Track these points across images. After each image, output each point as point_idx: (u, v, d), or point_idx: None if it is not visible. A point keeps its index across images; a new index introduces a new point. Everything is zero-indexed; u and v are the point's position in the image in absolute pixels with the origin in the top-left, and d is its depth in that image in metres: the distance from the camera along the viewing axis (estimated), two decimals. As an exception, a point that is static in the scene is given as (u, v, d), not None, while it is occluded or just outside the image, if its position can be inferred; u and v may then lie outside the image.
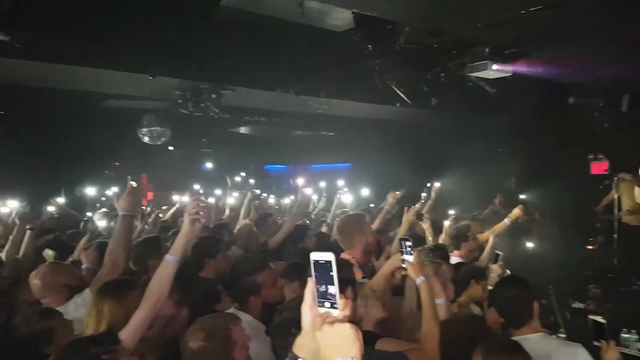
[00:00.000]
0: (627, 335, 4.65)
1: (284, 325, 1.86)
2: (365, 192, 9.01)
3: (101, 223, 5.56)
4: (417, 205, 5.07)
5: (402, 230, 4.12)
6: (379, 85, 5.78)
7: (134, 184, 2.83)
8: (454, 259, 4.31)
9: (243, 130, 9.59)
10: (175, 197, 7.99)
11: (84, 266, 3.44)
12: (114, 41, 4.48)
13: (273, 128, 9.20)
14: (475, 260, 4.51)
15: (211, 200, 7.95)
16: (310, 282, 1.19)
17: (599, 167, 9.15)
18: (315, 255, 1.18)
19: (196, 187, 8.68)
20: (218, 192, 8.53)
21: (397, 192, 6.03)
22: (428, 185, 6.56)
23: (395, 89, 5.49)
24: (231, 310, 2.66)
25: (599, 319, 2.54)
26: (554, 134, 9.10)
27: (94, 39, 4.40)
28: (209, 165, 11.76)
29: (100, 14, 4.18)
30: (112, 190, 6.32)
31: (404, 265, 2.45)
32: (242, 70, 5.36)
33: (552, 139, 9.29)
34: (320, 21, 4.89)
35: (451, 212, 6.30)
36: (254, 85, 5.80)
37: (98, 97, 6.52)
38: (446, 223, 5.19)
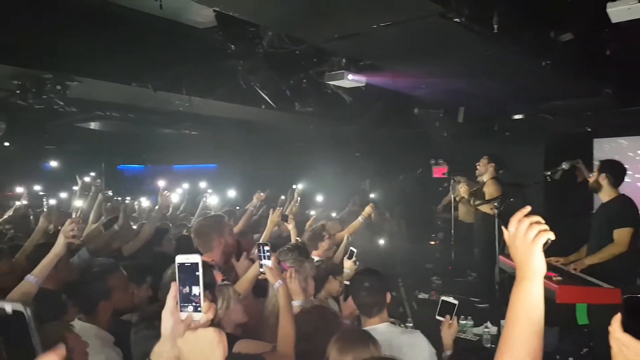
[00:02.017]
0: (464, 322, 5.27)
1: (141, 333, 1.78)
2: (231, 193, 8.93)
3: None
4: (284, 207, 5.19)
5: (266, 232, 4.19)
6: (243, 86, 5.78)
7: None
8: (313, 258, 4.49)
9: (93, 125, 8.81)
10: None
11: None
12: None
13: (128, 124, 8.61)
14: (330, 258, 4.75)
15: (53, 202, 7.21)
16: (174, 287, 1.15)
17: (439, 170, 10.25)
18: (180, 258, 1.15)
19: (37, 187, 7.79)
20: (63, 194, 7.76)
21: (262, 194, 6.10)
22: (294, 187, 6.73)
23: (259, 90, 5.53)
24: (74, 322, 2.44)
25: (451, 299, 2.82)
26: (402, 141, 9.99)
27: None
28: (52, 163, 10.60)
29: None
30: None
31: (261, 270, 2.50)
32: (93, 61, 4.93)
33: (401, 145, 10.19)
34: (181, 16, 4.73)
35: (312, 212, 6.57)
36: (106, 77, 5.36)
37: None
38: (307, 224, 5.42)
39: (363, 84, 5.65)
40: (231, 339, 2.32)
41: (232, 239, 3.28)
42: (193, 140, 10.18)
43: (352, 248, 4.29)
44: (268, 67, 5.30)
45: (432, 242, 9.33)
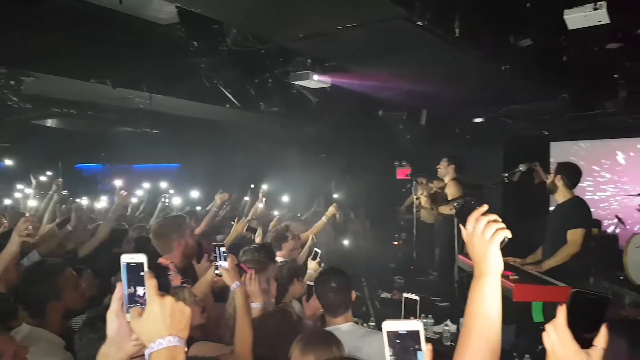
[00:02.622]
0: (424, 320, 5.35)
1: (85, 337, 1.73)
2: (194, 194, 8.78)
3: None
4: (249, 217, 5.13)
5: (228, 239, 4.14)
6: (206, 84, 5.69)
7: None
8: (277, 259, 4.47)
9: (50, 123, 8.49)
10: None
11: None
12: None
13: (86, 122, 8.33)
14: (295, 259, 4.73)
15: (8, 202, 6.91)
16: (119, 287, 1.12)
17: (403, 172, 10.39)
18: (126, 258, 1.12)
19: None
20: (18, 193, 7.45)
21: (226, 194, 6.02)
22: (252, 186, 6.67)
23: (222, 89, 5.46)
24: (22, 327, 2.34)
25: (413, 296, 2.84)
26: (367, 143, 10.08)
27: None
28: (7, 162, 10.17)
29: None
30: None
31: (217, 272, 2.47)
32: (48, 56, 4.74)
33: (365, 146, 10.28)
34: (141, 12, 4.61)
35: (275, 213, 6.54)
36: (62, 73, 5.18)
37: None
38: (271, 224, 5.39)
39: (328, 85, 5.67)
40: (188, 341, 2.30)
41: (193, 240, 3.21)
42: (154, 139, 9.94)
43: (316, 249, 4.29)
44: (232, 66, 5.23)
45: (396, 242, 9.44)
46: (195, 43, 5.00)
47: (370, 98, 7.11)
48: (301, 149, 9.80)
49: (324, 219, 5.37)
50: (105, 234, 4.19)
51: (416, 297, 2.59)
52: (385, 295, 7.08)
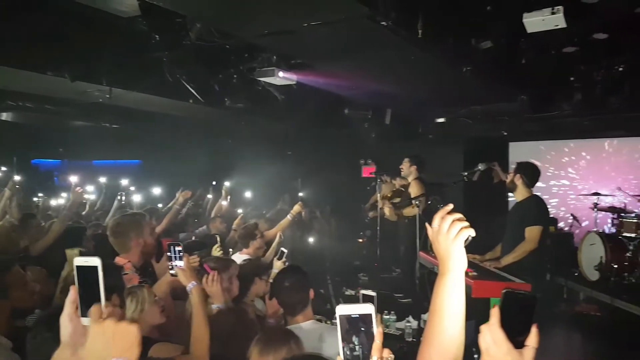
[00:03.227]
0: (387, 317, 5.41)
1: (42, 335, 1.67)
2: (156, 190, 8.59)
3: None
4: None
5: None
6: (169, 78, 5.58)
7: None
8: (243, 256, 4.43)
9: (5, 116, 8.15)
10: None
11: None
12: None
13: (43, 116, 8.04)
14: (262, 257, 4.70)
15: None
16: (73, 291, 1.08)
17: (368, 170, 10.49)
18: (79, 261, 1.08)
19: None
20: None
21: (188, 192, 5.92)
22: (214, 183, 6.57)
23: (185, 84, 5.36)
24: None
25: (369, 292, 2.85)
26: (333, 140, 10.12)
27: None
28: (-41, 156, 9.69)
29: None
30: None
31: (172, 272, 2.43)
32: (4, 48, 4.54)
33: (331, 144, 10.32)
34: (102, 4, 4.47)
35: (239, 211, 6.48)
36: (18, 65, 4.97)
37: None
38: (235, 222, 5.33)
39: (294, 82, 5.65)
40: (147, 342, 2.25)
41: (152, 238, 3.13)
42: (115, 134, 9.69)
43: (282, 248, 4.27)
44: (195, 60, 5.14)
45: (360, 240, 9.52)
46: (157, 36, 4.88)
47: (336, 96, 7.14)
48: (267, 146, 9.75)
49: (289, 217, 5.35)
50: (59, 232, 4.05)
51: (373, 293, 2.62)
52: (349, 292, 7.13)
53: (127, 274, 2.85)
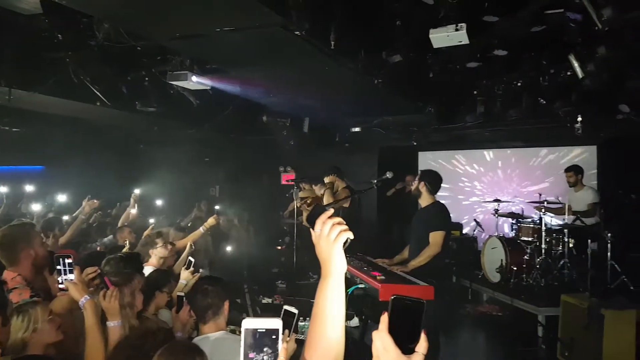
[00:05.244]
0: (303, 323, 5.43)
1: None
2: (61, 198, 8.03)
3: None
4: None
5: None
6: (74, 80, 5.27)
7: None
8: (149, 268, 4.24)
9: None
10: None
11: None
12: None
13: None
14: (170, 267, 4.54)
15: None
16: None
17: (287, 177, 10.53)
18: None
19: None
20: None
21: (95, 200, 5.60)
22: (137, 192, 6.22)
23: (90, 86, 5.08)
24: None
25: (292, 309, 2.85)
26: (252, 147, 10.06)
27: None
28: None
29: None
30: None
31: (61, 286, 2.28)
32: None
33: (251, 151, 10.25)
34: (1, 0, 4.14)
35: (151, 220, 6.21)
36: None
37: None
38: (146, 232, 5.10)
39: (209, 87, 5.56)
40: (41, 361, 2.10)
41: (44, 250, 2.91)
42: (15, 138, 8.96)
43: (190, 258, 4.16)
44: (101, 61, 4.90)
45: (279, 247, 9.52)
46: (60, 36, 4.60)
47: (254, 103, 7.11)
48: (182, 152, 9.47)
49: (201, 229, 5.20)
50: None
51: (295, 311, 2.63)
52: (266, 300, 7.10)
53: (17, 288, 2.63)
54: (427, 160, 10.00)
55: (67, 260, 2.24)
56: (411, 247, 4.60)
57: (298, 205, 7.58)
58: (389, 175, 4.17)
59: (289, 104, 7.20)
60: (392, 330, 1.02)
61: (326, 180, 6.41)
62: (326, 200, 5.95)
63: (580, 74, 5.09)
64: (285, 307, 2.96)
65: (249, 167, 10.61)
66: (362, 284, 3.79)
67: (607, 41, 4.61)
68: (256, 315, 6.37)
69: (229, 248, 7.55)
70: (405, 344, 1.01)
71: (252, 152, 10.28)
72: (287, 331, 2.90)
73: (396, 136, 8.82)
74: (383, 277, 3.67)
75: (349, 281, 4.16)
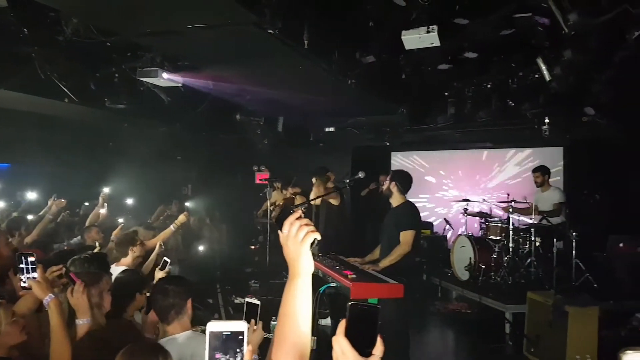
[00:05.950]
0: (274, 323, 5.43)
1: None
2: (29, 196, 7.82)
3: None
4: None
5: None
6: (41, 76, 5.13)
7: None
8: (119, 268, 4.16)
9: None
10: None
11: None
12: None
13: None
14: (141, 267, 4.47)
15: None
16: None
17: (261, 176, 10.49)
18: None
19: None
20: None
21: (62, 200, 5.47)
22: (106, 191, 6.08)
23: (57, 82, 4.96)
24: None
25: (254, 300, 2.83)
26: (226, 146, 9.98)
27: None
28: None
29: None
30: None
31: (24, 285, 2.23)
32: None
33: (224, 150, 10.16)
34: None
35: (120, 220, 6.10)
36: None
37: None
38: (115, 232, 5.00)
39: (180, 85, 5.49)
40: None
41: (8, 249, 2.84)
42: (-22, 134, 8.65)
43: (165, 258, 4.08)
44: (69, 57, 4.78)
45: (252, 247, 9.48)
46: (26, 30, 4.47)
47: (227, 101, 7.05)
48: (153, 150, 9.32)
49: (172, 227, 5.13)
50: None
51: (257, 302, 2.62)
52: (238, 300, 7.05)
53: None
54: (399, 160, 10.11)
55: (30, 259, 2.19)
56: (382, 246, 4.64)
57: (270, 208, 7.56)
58: (361, 175, 4.21)
59: (262, 103, 7.17)
60: (351, 335, 1.05)
61: (315, 181, 6.37)
62: (299, 200, 5.98)
63: (547, 76, 5.22)
64: (248, 299, 2.95)
65: (222, 166, 10.52)
66: (334, 282, 3.82)
67: (573, 45, 4.74)
68: (228, 315, 6.32)
69: (201, 247, 7.47)
70: (363, 348, 1.05)
71: (225, 150, 10.19)
72: (252, 321, 2.91)
73: (369, 136, 8.89)
74: (354, 276, 3.71)
75: (321, 280, 4.19)
